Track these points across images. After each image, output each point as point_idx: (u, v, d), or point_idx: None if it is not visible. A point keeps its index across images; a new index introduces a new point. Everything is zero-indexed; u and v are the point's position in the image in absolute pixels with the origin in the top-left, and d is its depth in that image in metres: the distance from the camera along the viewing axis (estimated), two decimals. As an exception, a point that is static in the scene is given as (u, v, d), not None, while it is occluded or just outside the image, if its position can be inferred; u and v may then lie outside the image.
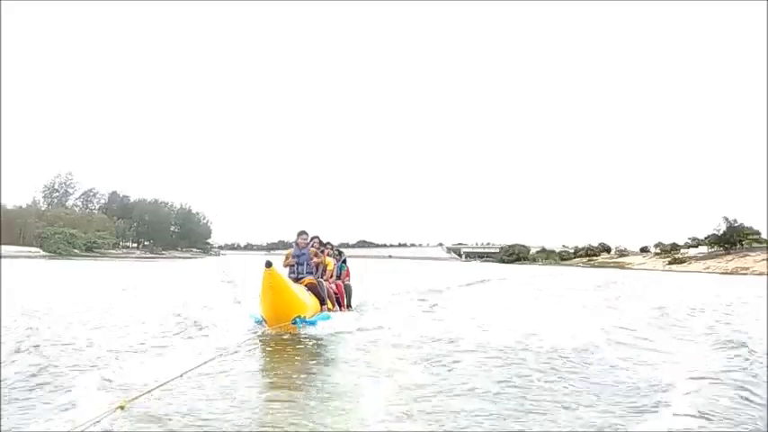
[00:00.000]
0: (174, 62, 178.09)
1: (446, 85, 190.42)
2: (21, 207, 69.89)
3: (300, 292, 8.67)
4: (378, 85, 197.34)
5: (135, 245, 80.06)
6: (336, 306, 9.86)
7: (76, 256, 54.65)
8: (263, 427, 3.95)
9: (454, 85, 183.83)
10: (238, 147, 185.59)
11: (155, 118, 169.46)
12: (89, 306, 11.17)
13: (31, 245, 53.57)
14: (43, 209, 70.55)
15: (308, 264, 9.32)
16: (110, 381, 5.04)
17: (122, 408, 3.89)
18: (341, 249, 11.34)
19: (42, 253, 54.95)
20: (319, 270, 9.45)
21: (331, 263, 10.21)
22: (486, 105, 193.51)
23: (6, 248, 50.94)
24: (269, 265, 7.88)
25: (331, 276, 10.11)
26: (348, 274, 11.04)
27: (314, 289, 9.19)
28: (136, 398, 4.18)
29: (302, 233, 9.56)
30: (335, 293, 9.94)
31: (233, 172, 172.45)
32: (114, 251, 67.44)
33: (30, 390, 4.75)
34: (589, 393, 4.85)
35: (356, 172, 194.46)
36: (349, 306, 10.62)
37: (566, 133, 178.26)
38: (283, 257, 9.55)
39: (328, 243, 10.61)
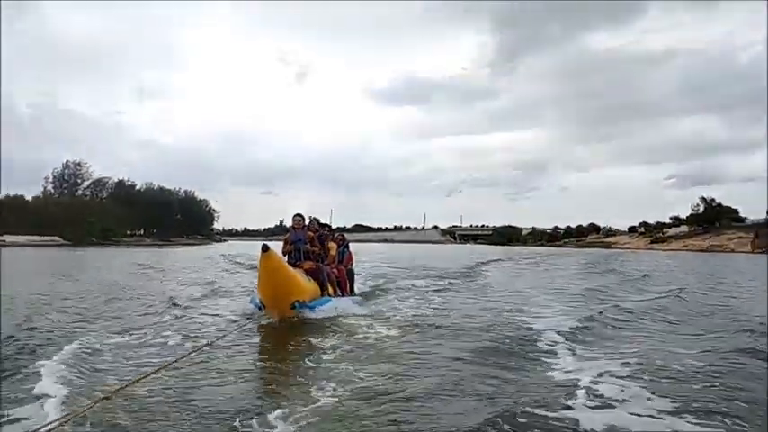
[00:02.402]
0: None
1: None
2: (38, 197, 72.67)
3: (299, 276, 8.36)
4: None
5: (141, 232, 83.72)
6: (339, 291, 9.53)
7: (93, 244, 56.75)
8: (254, 413, 3.77)
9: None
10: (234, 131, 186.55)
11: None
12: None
13: (50, 234, 57.71)
14: (56, 198, 74.64)
15: (305, 250, 9.04)
16: (95, 370, 4.86)
17: (108, 398, 3.71)
18: (344, 234, 11.19)
19: (62, 241, 57.05)
20: (317, 253, 9.21)
21: (333, 248, 9.94)
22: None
23: (30, 238, 55.09)
24: (266, 248, 7.65)
25: (333, 261, 9.77)
26: (351, 259, 10.69)
27: (314, 273, 8.87)
28: (121, 388, 3.99)
29: (297, 216, 9.29)
30: (337, 278, 9.63)
31: (233, 154, 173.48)
32: (126, 239, 69.34)
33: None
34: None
35: (352, 152, 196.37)
36: (352, 291, 10.30)
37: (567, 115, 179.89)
38: (282, 244, 9.26)
39: (326, 225, 10.49)
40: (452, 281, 15.04)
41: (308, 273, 8.77)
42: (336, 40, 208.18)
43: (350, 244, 11.00)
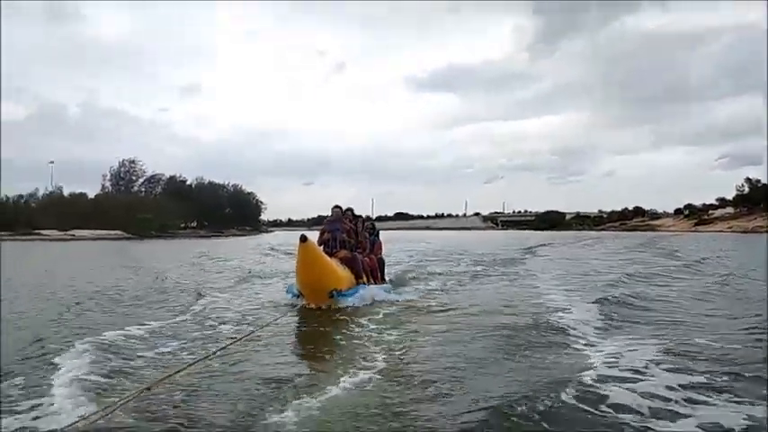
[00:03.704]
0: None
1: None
2: (100, 194, 77.29)
3: (336, 265, 8.51)
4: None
5: (195, 224, 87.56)
6: (371, 279, 9.64)
7: (153, 236, 59.54)
8: (296, 406, 3.65)
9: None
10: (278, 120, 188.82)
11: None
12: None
13: (114, 228, 62.29)
14: (115, 195, 79.39)
15: (341, 239, 9.21)
16: (137, 357, 4.93)
17: (149, 389, 3.67)
18: (374, 223, 11.27)
19: (125, 234, 60.33)
20: (352, 243, 9.37)
21: (363, 236, 10.09)
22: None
23: (95, 232, 58.61)
24: (304, 239, 7.78)
25: (364, 250, 9.90)
26: (381, 248, 10.73)
27: (349, 262, 8.99)
28: (163, 379, 3.98)
29: (335, 207, 9.57)
30: (369, 267, 9.75)
31: (274, 146, 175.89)
32: (182, 231, 72.90)
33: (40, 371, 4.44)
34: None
35: (391, 141, 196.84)
36: (383, 279, 10.38)
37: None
38: (318, 234, 9.45)
39: (367, 217, 10.54)
40: (488, 266, 15.07)
41: (344, 261, 8.93)
42: (372, 30, 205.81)
43: (389, 231, 11.37)
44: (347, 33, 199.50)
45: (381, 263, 10.57)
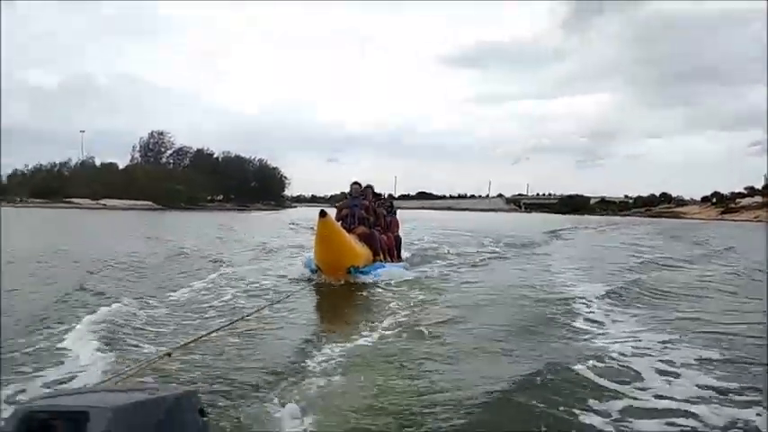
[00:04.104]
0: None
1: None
2: (130, 165, 78.39)
3: (354, 242, 8.53)
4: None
5: (221, 197, 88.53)
6: (388, 257, 9.66)
7: (181, 208, 59.80)
8: (311, 375, 3.74)
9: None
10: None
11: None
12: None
13: (142, 199, 63.93)
14: (145, 166, 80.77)
15: (359, 215, 9.24)
16: (157, 326, 5.05)
17: (169, 355, 3.73)
18: (392, 201, 11.25)
19: (154, 205, 61.46)
20: (370, 221, 9.37)
21: (381, 214, 10.06)
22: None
23: (126, 202, 59.82)
24: (323, 214, 7.79)
25: (382, 227, 9.90)
26: (397, 226, 10.73)
27: (367, 239, 9.02)
28: (183, 345, 4.04)
29: (355, 183, 9.57)
30: (387, 245, 9.75)
31: (299, 122, 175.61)
32: (209, 204, 73.73)
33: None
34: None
35: (416, 119, 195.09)
36: (399, 257, 10.40)
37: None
38: (336, 210, 9.47)
39: (389, 195, 10.66)
40: (507, 248, 15.05)
41: (362, 238, 8.98)
42: (400, 6, 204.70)
43: (406, 211, 11.45)
44: (373, 9, 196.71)
45: (398, 241, 10.59)
